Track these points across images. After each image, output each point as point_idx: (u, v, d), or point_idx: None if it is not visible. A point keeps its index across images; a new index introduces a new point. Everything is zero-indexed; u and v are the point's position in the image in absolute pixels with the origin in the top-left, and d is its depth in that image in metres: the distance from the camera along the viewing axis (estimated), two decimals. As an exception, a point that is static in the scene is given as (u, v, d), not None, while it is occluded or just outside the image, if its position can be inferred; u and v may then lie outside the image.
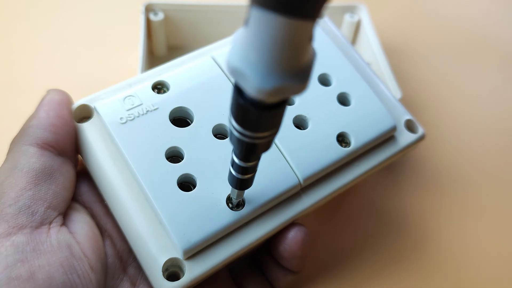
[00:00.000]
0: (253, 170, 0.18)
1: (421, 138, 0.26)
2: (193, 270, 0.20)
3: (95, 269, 0.19)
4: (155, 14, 0.36)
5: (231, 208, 0.21)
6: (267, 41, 0.12)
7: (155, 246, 0.20)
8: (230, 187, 0.20)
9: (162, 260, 0.20)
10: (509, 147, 0.35)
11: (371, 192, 0.32)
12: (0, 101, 0.35)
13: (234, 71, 0.13)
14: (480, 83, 0.40)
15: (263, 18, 0.12)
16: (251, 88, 0.13)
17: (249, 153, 0.16)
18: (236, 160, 0.17)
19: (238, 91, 0.14)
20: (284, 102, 0.14)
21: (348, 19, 0.38)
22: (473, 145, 0.35)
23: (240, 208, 0.21)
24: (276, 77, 0.13)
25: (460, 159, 0.34)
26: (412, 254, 0.29)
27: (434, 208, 0.32)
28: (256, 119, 0.15)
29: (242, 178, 0.18)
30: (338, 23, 0.39)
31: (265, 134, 0.15)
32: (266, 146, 0.16)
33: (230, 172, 0.18)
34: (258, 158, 0.17)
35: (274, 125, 0.15)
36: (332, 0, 0.38)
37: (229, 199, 0.21)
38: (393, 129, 0.24)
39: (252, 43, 0.13)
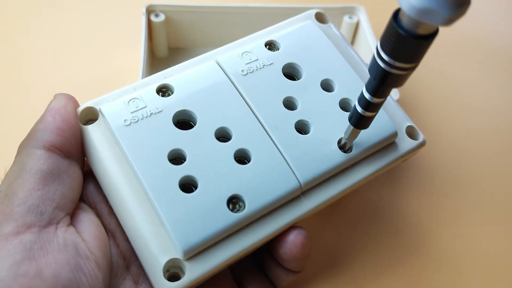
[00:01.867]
0: (375, 109, 0.20)
1: (422, 145, 0.26)
2: (193, 271, 0.20)
3: (101, 267, 0.20)
4: (156, 15, 0.36)
5: (341, 149, 0.23)
6: None
7: (156, 246, 0.20)
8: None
9: (163, 260, 0.20)
10: (508, 148, 0.35)
11: (371, 192, 0.32)
12: (4, 103, 0.35)
13: (422, 11, 0.15)
14: (478, 84, 0.40)
15: None
16: (441, 19, 0.15)
17: (380, 83, 0.18)
18: (365, 94, 0.20)
19: (395, 20, 0.16)
20: (434, 34, 0.16)
21: (347, 20, 0.38)
22: (472, 145, 0.35)
23: (349, 151, 0.23)
24: (457, 4, 0.15)
25: (459, 159, 0.34)
26: (412, 255, 0.29)
27: (434, 208, 0.32)
28: (404, 48, 0.17)
29: (363, 114, 0.21)
30: (337, 25, 0.39)
31: (403, 65, 0.17)
32: (398, 80, 0.18)
33: (353, 109, 0.21)
34: (384, 96, 0.19)
35: (413, 59, 0.17)
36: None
37: (230, 200, 0.21)
38: (394, 135, 0.24)
39: None
